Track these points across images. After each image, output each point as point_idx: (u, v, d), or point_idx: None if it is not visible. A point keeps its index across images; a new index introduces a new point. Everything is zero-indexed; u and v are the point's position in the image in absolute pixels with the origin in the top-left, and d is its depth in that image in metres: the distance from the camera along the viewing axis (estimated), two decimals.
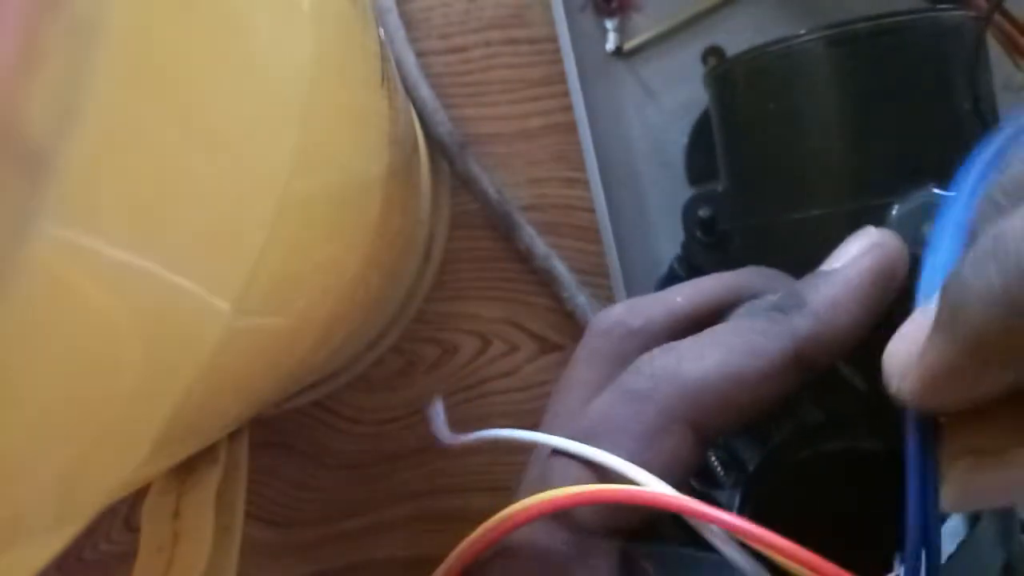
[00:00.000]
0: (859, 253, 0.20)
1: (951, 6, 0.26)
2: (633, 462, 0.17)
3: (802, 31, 0.25)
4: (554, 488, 0.17)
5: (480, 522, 0.18)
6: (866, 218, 0.25)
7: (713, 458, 0.19)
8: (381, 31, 0.34)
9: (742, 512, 0.20)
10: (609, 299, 0.35)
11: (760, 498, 0.20)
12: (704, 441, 0.18)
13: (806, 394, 0.19)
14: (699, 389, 0.18)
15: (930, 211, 0.24)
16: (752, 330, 0.19)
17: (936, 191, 0.24)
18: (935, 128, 0.25)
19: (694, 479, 0.19)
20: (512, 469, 0.37)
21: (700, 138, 0.33)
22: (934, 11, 0.26)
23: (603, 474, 0.17)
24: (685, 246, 0.32)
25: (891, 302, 0.18)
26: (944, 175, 0.24)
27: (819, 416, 0.19)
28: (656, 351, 0.19)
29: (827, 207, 0.26)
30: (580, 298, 0.35)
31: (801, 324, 0.18)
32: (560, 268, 0.35)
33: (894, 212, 0.24)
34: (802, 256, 0.27)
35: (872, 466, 0.20)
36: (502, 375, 0.37)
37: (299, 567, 0.39)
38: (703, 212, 0.30)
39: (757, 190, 0.28)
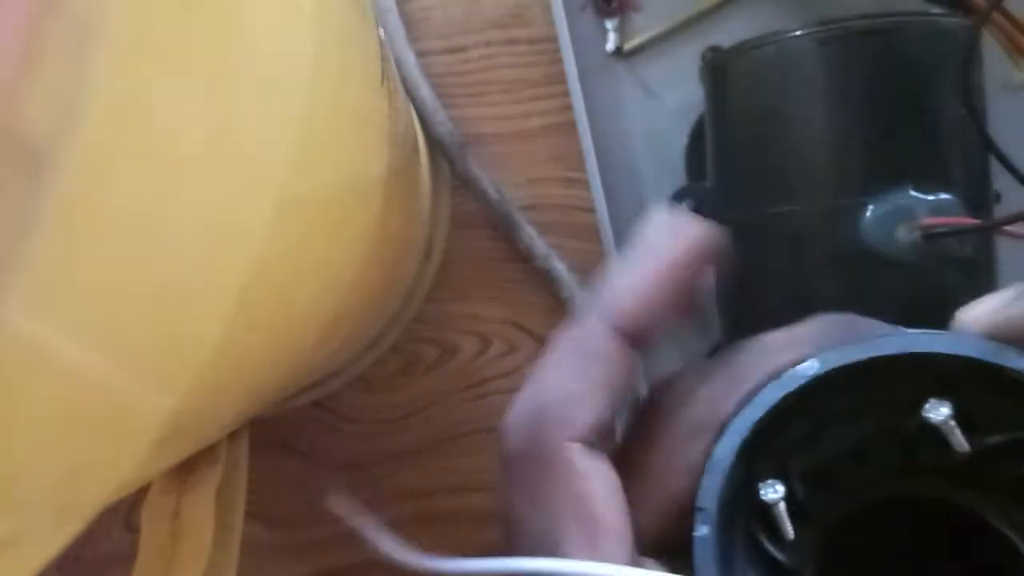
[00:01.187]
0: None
1: (947, 10, 0.26)
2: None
3: (796, 28, 0.25)
4: None
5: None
6: (842, 216, 0.25)
7: (780, 505, 0.18)
8: (381, 31, 0.34)
9: (815, 562, 0.18)
10: None
11: (830, 547, 0.18)
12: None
13: (885, 440, 0.18)
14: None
15: (905, 213, 0.24)
16: None
17: (913, 193, 0.24)
18: (919, 131, 0.25)
19: (762, 534, 0.18)
20: None
21: (700, 138, 0.33)
22: (929, 15, 0.26)
23: None
24: None
25: None
26: (925, 178, 0.25)
27: (895, 461, 0.18)
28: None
29: (804, 204, 0.26)
30: (580, 298, 0.35)
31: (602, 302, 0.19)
32: (560, 268, 0.35)
33: (868, 213, 0.24)
34: (775, 252, 0.27)
35: (951, 520, 0.18)
36: (502, 375, 0.37)
37: (299, 567, 0.39)
38: (687, 204, 0.30)
39: (739, 184, 0.28)
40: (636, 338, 0.19)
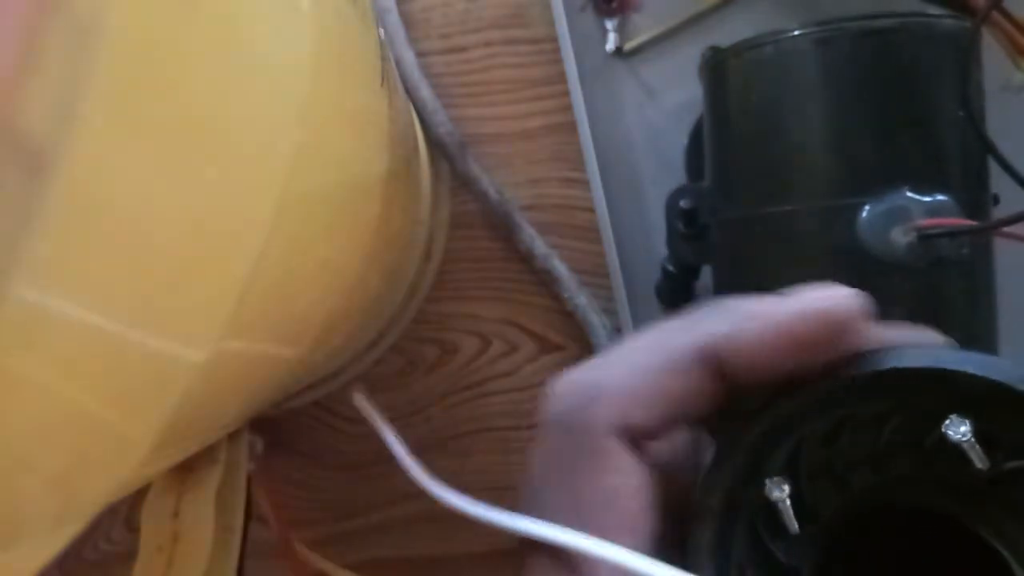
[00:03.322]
0: (816, 294, 0.18)
1: (946, 11, 0.26)
2: None
3: (794, 28, 0.25)
4: None
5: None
6: (837, 217, 0.25)
7: (786, 502, 0.17)
8: (381, 31, 0.34)
9: (814, 562, 0.18)
10: (609, 299, 0.35)
11: (835, 551, 0.18)
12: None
13: (902, 449, 0.18)
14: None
15: (900, 215, 0.24)
16: (666, 329, 0.18)
17: (909, 195, 0.24)
18: (917, 132, 0.25)
19: (764, 531, 0.18)
20: (512, 468, 0.37)
21: (700, 138, 0.33)
22: (927, 15, 0.25)
23: None
24: (669, 242, 0.32)
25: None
26: (921, 179, 0.24)
27: (906, 470, 0.18)
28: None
29: (801, 203, 0.26)
30: (580, 298, 0.35)
31: (716, 327, 0.17)
32: (560, 268, 0.35)
33: (864, 213, 0.24)
34: (770, 251, 0.27)
35: (949, 532, 0.18)
36: (502, 375, 0.37)
37: (299, 567, 0.39)
38: (684, 203, 0.30)
39: (736, 183, 0.28)
40: (730, 378, 0.17)
